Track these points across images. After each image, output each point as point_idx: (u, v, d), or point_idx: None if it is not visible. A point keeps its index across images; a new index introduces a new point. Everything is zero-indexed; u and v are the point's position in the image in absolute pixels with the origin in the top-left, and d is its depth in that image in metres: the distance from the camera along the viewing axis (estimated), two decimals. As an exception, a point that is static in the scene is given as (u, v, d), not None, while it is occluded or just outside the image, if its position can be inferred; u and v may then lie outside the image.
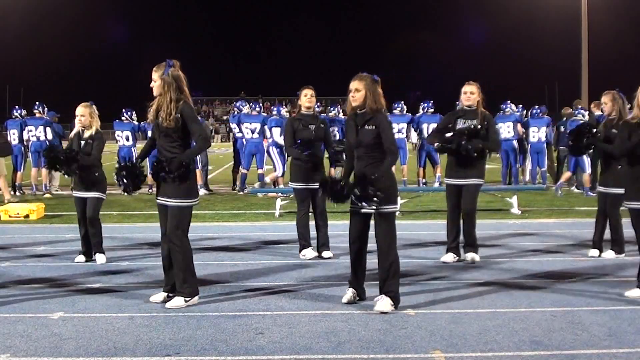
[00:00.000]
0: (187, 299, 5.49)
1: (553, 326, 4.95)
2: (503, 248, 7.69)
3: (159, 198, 5.61)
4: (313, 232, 7.58)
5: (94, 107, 7.47)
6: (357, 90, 5.48)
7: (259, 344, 4.61)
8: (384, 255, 5.45)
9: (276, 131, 13.53)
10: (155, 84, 5.54)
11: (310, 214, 7.61)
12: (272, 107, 15.91)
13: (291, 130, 7.51)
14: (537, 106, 15.35)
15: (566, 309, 5.40)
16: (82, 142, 7.29)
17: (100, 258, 7.33)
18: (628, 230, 7.90)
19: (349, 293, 5.60)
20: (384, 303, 5.32)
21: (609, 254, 7.39)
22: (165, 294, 5.67)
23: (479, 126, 7.03)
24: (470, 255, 7.18)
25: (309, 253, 7.50)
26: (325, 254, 7.47)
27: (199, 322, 5.10)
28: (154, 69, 5.58)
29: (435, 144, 7.39)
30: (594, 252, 7.46)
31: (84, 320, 5.17)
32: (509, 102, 15.00)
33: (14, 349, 4.53)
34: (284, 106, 16.14)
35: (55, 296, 5.92)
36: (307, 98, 7.54)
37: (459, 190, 7.18)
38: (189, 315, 5.26)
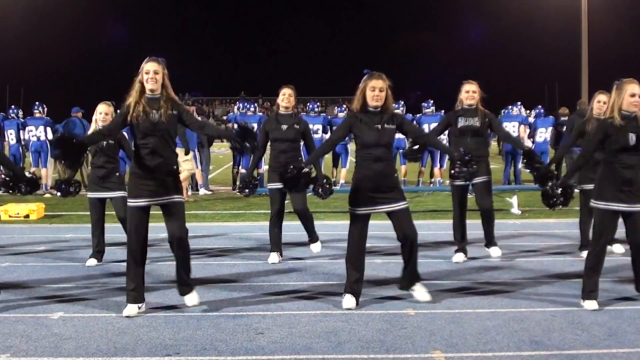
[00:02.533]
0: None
1: (553, 326, 4.95)
2: (503, 248, 7.68)
3: (150, 199, 5.27)
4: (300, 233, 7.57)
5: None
6: (382, 90, 5.44)
7: (259, 344, 4.61)
8: (416, 248, 5.61)
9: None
10: (157, 76, 5.26)
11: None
12: (337, 108, 15.60)
13: (264, 131, 7.30)
14: (539, 106, 15.42)
15: (566, 309, 5.40)
16: (104, 142, 7.13)
17: None
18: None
19: (352, 300, 5.52)
20: (424, 291, 5.64)
21: (618, 248, 7.53)
22: (138, 305, 5.37)
23: (478, 122, 7.16)
24: (497, 252, 7.32)
25: (272, 258, 7.27)
26: (314, 247, 7.42)
27: (199, 322, 5.10)
28: (152, 61, 5.28)
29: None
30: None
31: (84, 320, 5.17)
32: (519, 103, 15.04)
33: (14, 349, 4.53)
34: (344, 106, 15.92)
35: (55, 296, 5.92)
36: (284, 97, 7.25)
37: (464, 190, 7.29)
38: (189, 315, 5.26)
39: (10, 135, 14.61)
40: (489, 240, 7.41)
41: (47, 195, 14.19)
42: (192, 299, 5.49)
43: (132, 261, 5.32)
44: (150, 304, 5.57)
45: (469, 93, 7.23)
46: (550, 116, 15.45)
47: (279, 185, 7.11)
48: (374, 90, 5.42)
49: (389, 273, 6.62)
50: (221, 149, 38.38)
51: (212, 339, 4.70)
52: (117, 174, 7.32)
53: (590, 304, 5.38)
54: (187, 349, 4.52)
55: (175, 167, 5.41)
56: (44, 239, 8.96)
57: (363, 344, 4.57)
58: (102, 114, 7.18)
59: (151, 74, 5.25)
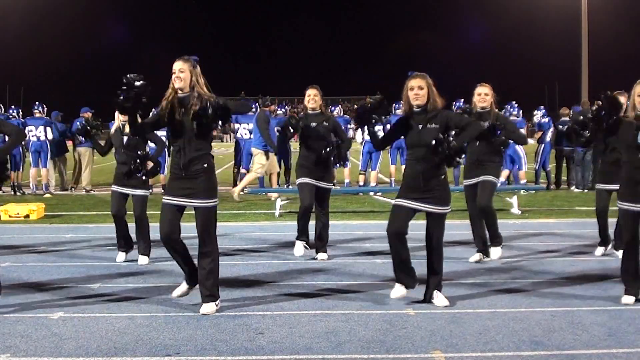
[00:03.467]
0: (217, 302, 5.38)
1: (553, 326, 4.95)
2: (503, 248, 7.67)
3: (179, 199, 5.32)
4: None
5: None
6: (421, 88, 5.43)
7: (259, 344, 4.61)
8: (437, 256, 5.56)
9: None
10: (182, 75, 5.26)
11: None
12: (331, 108, 15.67)
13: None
14: (542, 106, 15.47)
15: (566, 309, 5.40)
16: (125, 137, 7.13)
17: (142, 259, 7.19)
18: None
19: (399, 290, 5.56)
20: (443, 297, 5.49)
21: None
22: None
23: (488, 124, 6.98)
24: (496, 253, 7.23)
25: (298, 249, 7.47)
26: (321, 255, 7.38)
27: (199, 322, 5.10)
28: (178, 60, 5.30)
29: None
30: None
31: (84, 320, 5.17)
32: (514, 103, 15.03)
33: (14, 349, 4.53)
34: (340, 106, 16.00)
35: (55, 296, 5.91)
36: (310, 98, 7.48)
37: (475, 191, 7.17)
38: (189, 316, 5.26)
39: (10, 135, 14.60)
40: (490, 238, 7.24)
41: (47, 195, 14.20)
42: (205, 307, 5.30)
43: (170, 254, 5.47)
44: (150, 304, 5.58)
45: (481, 96, 7.14)
46: (548, 116, 15.54)
47: (310, 180, 7.36)
48: (413, 89, 5.44)
49: (389, 273, 6.62)
50: (221, 149, 38.36)
51: (212, 339, 4.70)
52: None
53: (627, 299, 5.51)
54: (187, 349, 4.51)
55: (205, 165, 5.30)
56: (44, 239, 8.96)
57: (363, 344, 4.57)
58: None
59: (177, 72, 5.28)
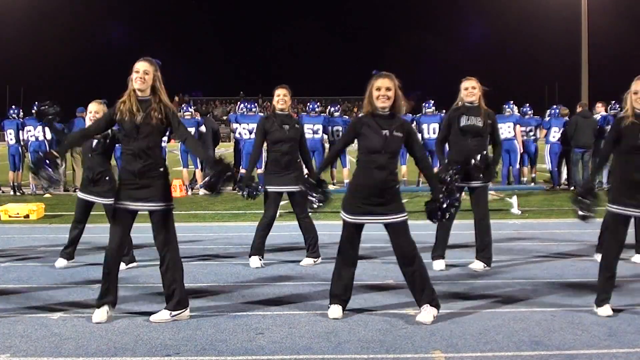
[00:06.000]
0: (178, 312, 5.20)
1: (553, 326, 4.95)
2: (503, 248, 7.69)
3: (132, 203, 5.14)
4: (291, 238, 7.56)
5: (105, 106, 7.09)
6: (389, 89, 5.02)
7: (259, 344, 4.61)
8: (418, 265, 5.19)
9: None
10: (147, 77, 5.04)
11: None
12: (331, 108, 15.67)
13: (262, 131, 7.11)
14: (555, 105, 15.48)
15: (566, 309, 5.40)
16: (94, 141, 6.80)
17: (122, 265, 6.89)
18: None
19: (338, 309, 5.25)
20: (430, 313, 5.07)
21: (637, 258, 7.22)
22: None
23: (482, 125, 6.75)
24: (477, 265, 6.90)
25: (253, 262, 7.08)
26: (305, 261, 7.20)
27: (199, 322, 5.10)
28: (143, 61, 5.09)
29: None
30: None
31: (83, 320, 5.17)
32: (511, 102, 15.03)
33: (14, 349, 4.53)
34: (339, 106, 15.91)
35: (55, 296, 5.92)
36: (279, 98, 7.13)
37: (470, 194, 6.91)
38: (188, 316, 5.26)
39: (10, 135, 14.62)
40: (477, 250, 6.94)
41: (47, 195, 14.20)
42: (158, 315, 5.18)
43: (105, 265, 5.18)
44: (150, 303, 5.57)
45: (468, 90, 6.82)
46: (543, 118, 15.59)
47: (276, 188, 7.10)
48: (380, 90, 5.03)
49: (389, 274, 6.62)
50: (221, 149, 38.34)
51: (212, 339, 4.70)
52: (107, 178, 6.92)
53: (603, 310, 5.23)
54: (187, 349, 4.52)
55: (161, 171, 5.14)
56: (44, 239, 8.96)
57: (363, 344, 4.57)
58: (92, 112, 6.86)
59: (140, 73, 5.06)
